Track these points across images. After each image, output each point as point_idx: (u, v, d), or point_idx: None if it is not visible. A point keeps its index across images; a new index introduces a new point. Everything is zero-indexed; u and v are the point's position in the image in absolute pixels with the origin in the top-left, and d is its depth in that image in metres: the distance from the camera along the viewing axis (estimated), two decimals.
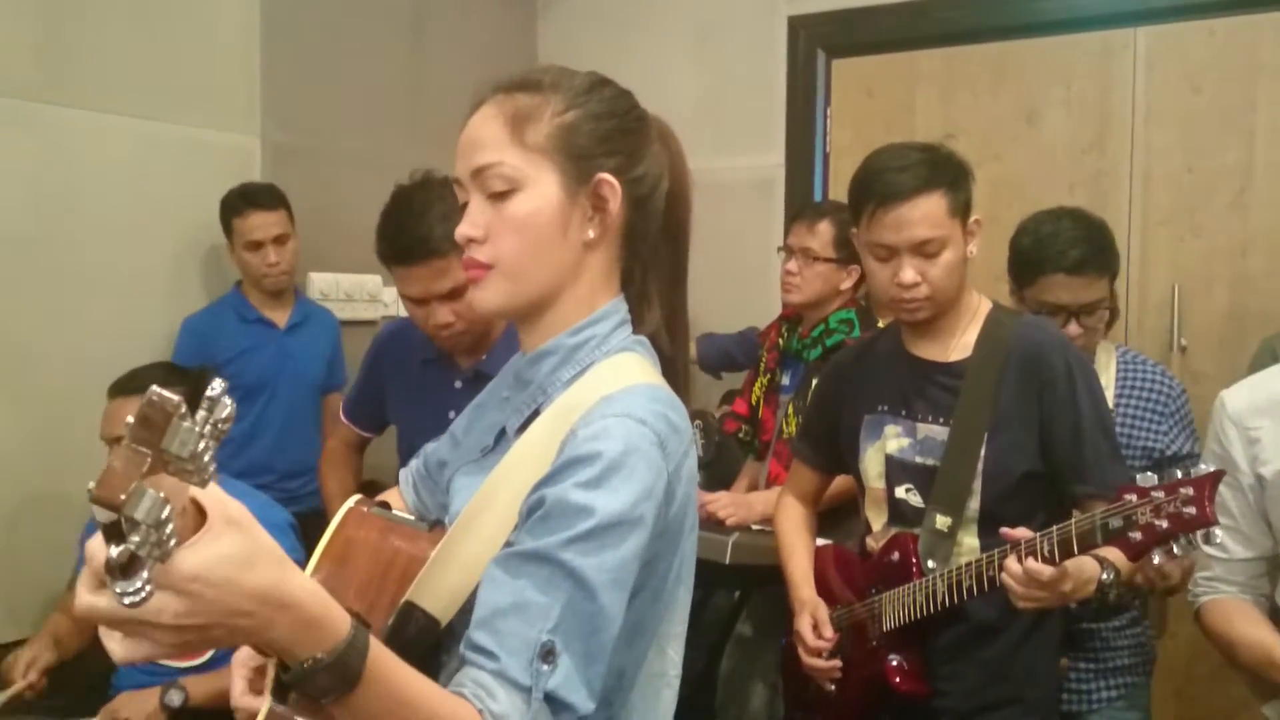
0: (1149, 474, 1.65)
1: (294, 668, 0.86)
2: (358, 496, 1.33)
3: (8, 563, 2.84)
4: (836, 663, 2.07)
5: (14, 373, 2.84)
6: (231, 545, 0.80)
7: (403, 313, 3.78)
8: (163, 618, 0.77)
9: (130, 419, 0.74)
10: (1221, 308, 3.43)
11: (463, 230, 1.16)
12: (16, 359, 2.86)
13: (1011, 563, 1.77)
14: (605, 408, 1.08)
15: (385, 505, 1.37)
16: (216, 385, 0.78)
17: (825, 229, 2.89)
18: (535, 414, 1.17)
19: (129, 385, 2.53)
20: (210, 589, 0.78)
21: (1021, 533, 1.79)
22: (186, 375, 2.69)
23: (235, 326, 3.29)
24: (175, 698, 2.35)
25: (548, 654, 0.98)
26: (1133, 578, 2.16)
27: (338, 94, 3.71)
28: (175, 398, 0.74)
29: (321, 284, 3.68)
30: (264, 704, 1.17)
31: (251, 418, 3.27)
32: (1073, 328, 2.25)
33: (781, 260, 2.97)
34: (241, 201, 3.24)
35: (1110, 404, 2.27)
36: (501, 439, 1.24)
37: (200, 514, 0.81)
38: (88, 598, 0.77)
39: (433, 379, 2.37)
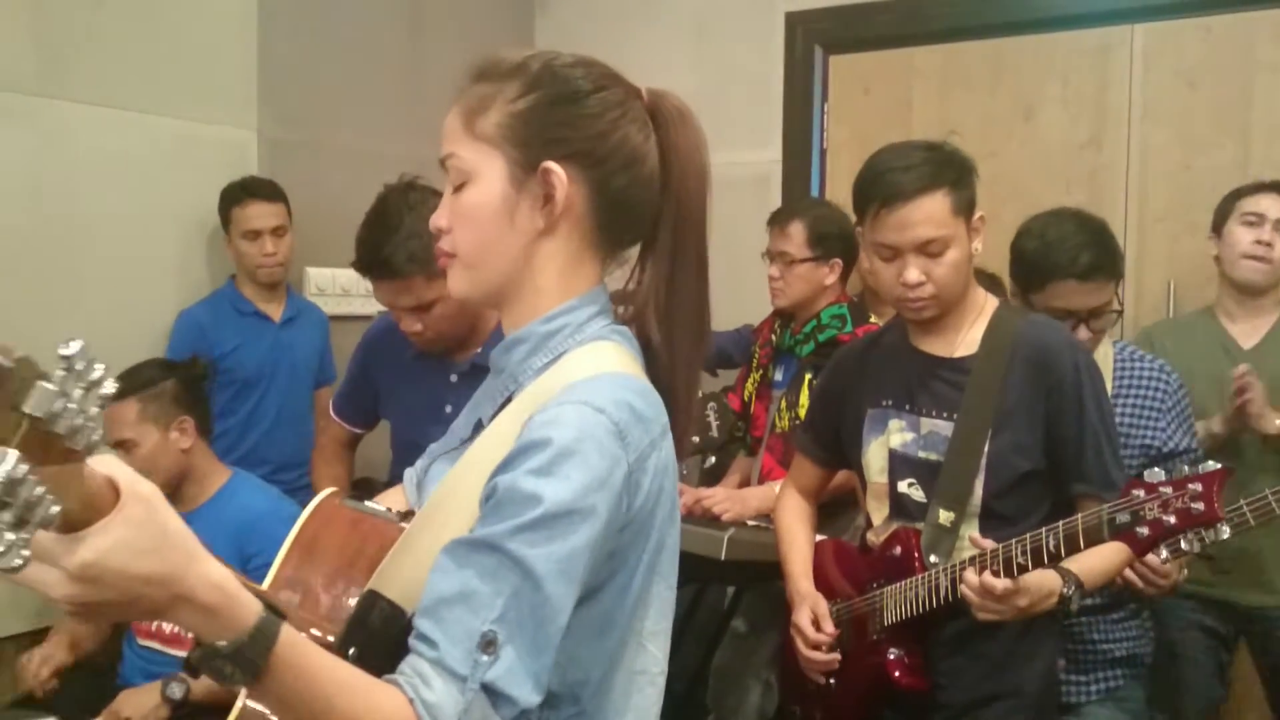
0: (1156, 470, 1.65)
1: (199, 648, 0.89)
2: (332, 489, 1.34)
3: None
4: (835, 656, 2.07)
5: None
6: (131, 531, 0.82)
7: None
8: (53, 593, 0.80)
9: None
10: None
11: (433, 220, 1.19)
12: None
13: (970, 575, 1.81)
14: (565, 395, 1.07)
15: (360, 498, 1.37)
16: (72, 345, 0.78)
17: (797, 230, 2.90)
18: (508, 401, 1.17)
19: (124, 387, 2.53)
20: (105, 575, 0.81)
21: (988, 543, 1.83)
22: (176, 367, 2.69)
23: (232, 320, 3.30)
24: (176, 690, 2.35)
25: (489, 644, 0.97)
26: (1126, 579, 2.17)
27: (334, 88, 3.71)
28: (16, 353, 0.74)
29: (318, 279, 3.67)
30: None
31: (247, 410, 3.28)
32: (1082, 332, 2.24)
33: (767, 265, 2.99)
34: (242, 192, 3.27)
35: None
36: (478, 429, 1.23)
37: (114, 492, 0.83)
38: None
39: (427, 372, 2.37)
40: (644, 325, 1.21)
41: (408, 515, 1.28)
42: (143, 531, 0.82)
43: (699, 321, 1.24)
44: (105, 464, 0.83)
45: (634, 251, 1.24)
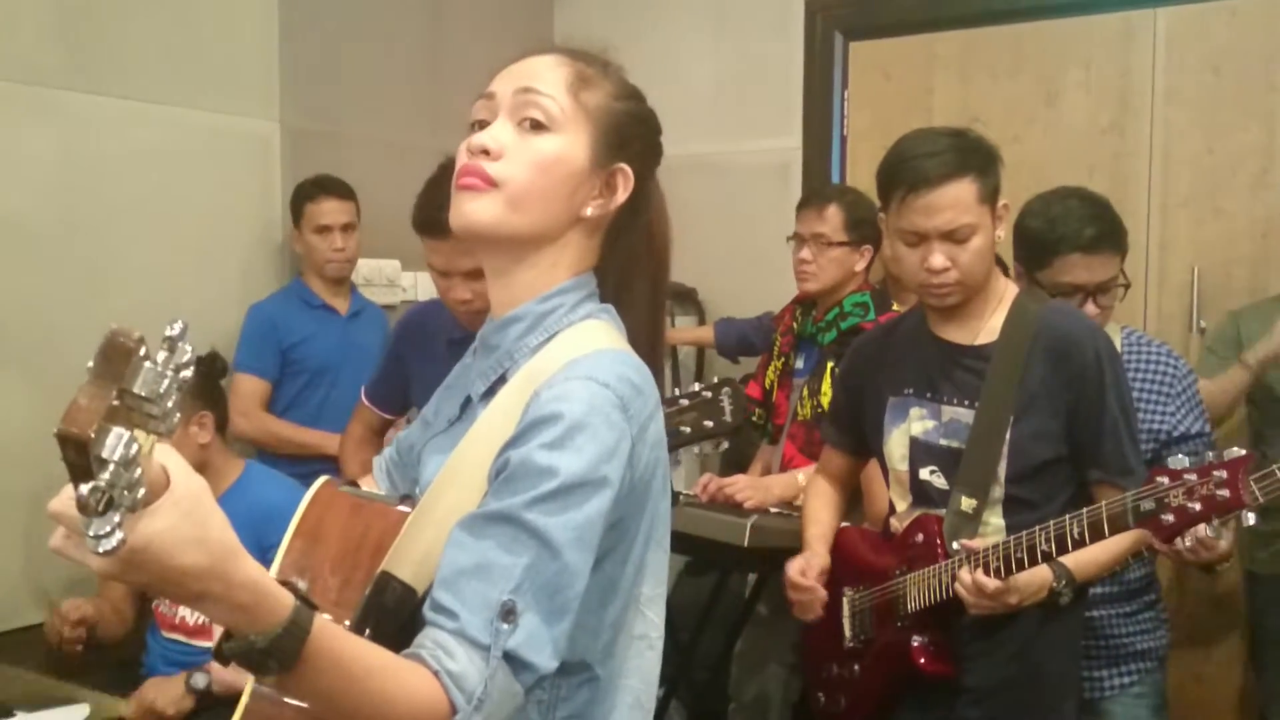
0: (1180, 456, 1.66)
1: (233, 642, 0.90)
2: (326, 477, 1.35)
3: (35, 544, 2.88)
4: (822, 596, 2.16)
5: (42, 359, 2.87)
6: (177, 522, 0.82)
7: (422, 297, 3.83)
8: (92, 564, 0.80)
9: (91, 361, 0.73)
10: (1242, 289, 3.41)
11: (481, 140, 1.16)
12: (43, 345, 2.88)
13: (964, 574, 1.86)
14: (569, 370, 1.10)
15: (355, 484, 1.39)
16: (177, 325, 0.77)
17: (834, 213, 2.89)
18: (501, 380, 1.19)
19: None
20: (147, 561, 0.81)
21: (978, 543, 1.88)
22: (196, 362, 2.72)
23: (301, 312, 3.37)
24: (200, 680, 2.39)
25: (508, 613, 1.00)
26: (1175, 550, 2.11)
27: (355, 80, 3.72)
28: (136, 333, 0.73)
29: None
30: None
31: (318, 401, 3.35)
32: (1089, 308, 2.24)
33: (793, 249, 2.97)
34: (316, 189, 3.35)
35: None
36: (467, 407, 1.26)
37: (166, 480, 0.83)
38: (59, 506, 0.80)
39: (457, 360, 2.38)
40: (639, 339, 1.26)
41: (405, 499, 1.30)
42: (189, 523, 0.83)
43: (662, 350, 1.32)
44: (159, 451, 0.84)
45: None
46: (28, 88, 2.89)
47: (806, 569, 2.18)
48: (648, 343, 1.26)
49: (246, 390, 3.21)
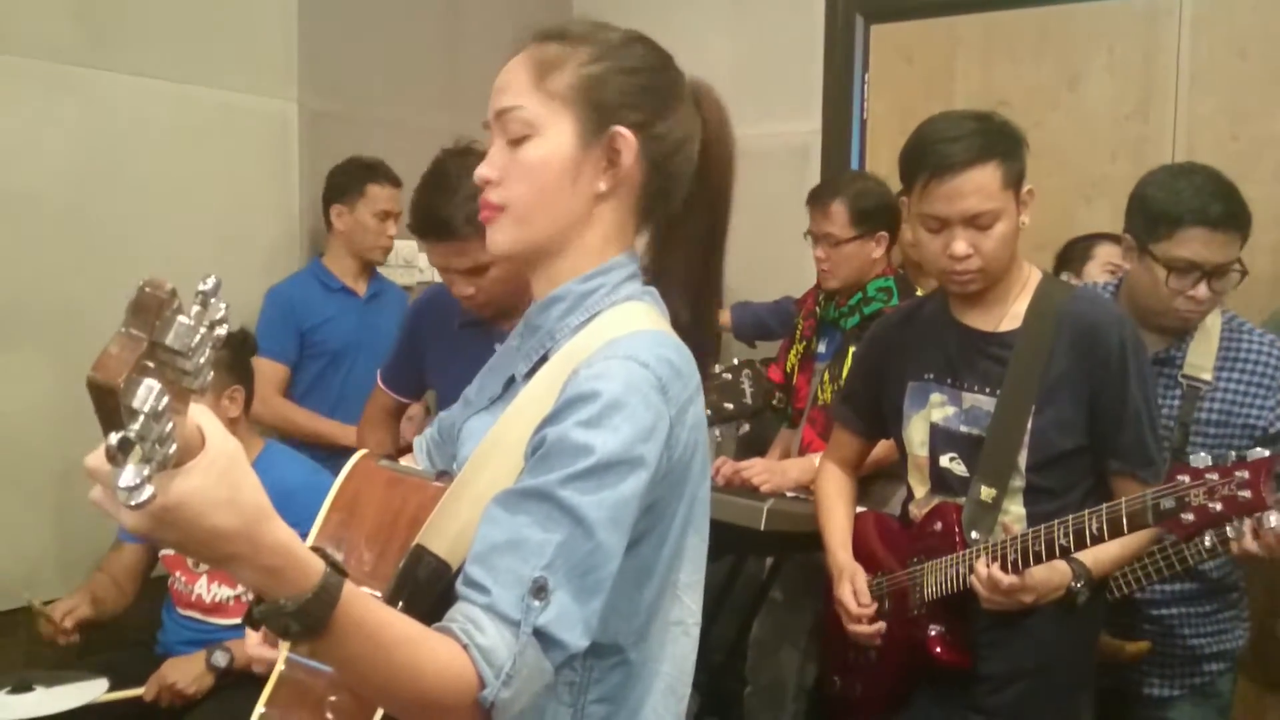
0: (1203, 455, 1.64)
1: (263, 605, 0.90)
2: (364, 451, 1.35)
3: (59, 521, 2.90)
4: (880, 626, 2.08)
5: (62, 336, 2.87)
6: (210, 482, 0.82)
7: (439, 278, 3.82)
8: (124, 521, 0.80)
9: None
10: (1265, 277, 3.37)
11: (480, 172, 1.19)
12: (63, 322, 2.88)
13: (980, 566, 1.84)
14: (609, 350, 1.10)
15: (393, 458, 1.39)
16: (209, 280, 0.77)
17: (838, 210, 2.86)
18: (543, 359, 1.19)
19: None
20: (179, 519, 0.81)
21: (1013, 529, 1.86)
22: (229, 337, 2.72)
23: (319, 295, 3.37)
24: (221, 658, 2.39)
25: (540, 590, 1.00)
26: (1245, 550, 1.95)
27: (374, 60, 3.71)
28: (168, 286, 0.73)
29: None
30: (280, 652, 1.21)
31: (339, 383, 3.35)
32: (1201, 290, 2.10)
33: (811, 244, 2.95)
34: (379, 174, 3.36)
35: (1210, 374, 2.20)
36: (510, 385, 1.26)
37: (201, 440, 0.83)
38: (94, 461, 0.79)
39: (473, 342, 2.37)
40: (668, 298, 1.25)
41: (442, 474, 1.30)
42: (222, 484, 0.82)
43: (718, 294, 1.31)
44: (195, 412, 0.83)
45: None
46: (45, 64, 2.88)
47: (859, 592, 2.11)
48: (701, 273, 1.26)
49: (264, 375, 3.21)
